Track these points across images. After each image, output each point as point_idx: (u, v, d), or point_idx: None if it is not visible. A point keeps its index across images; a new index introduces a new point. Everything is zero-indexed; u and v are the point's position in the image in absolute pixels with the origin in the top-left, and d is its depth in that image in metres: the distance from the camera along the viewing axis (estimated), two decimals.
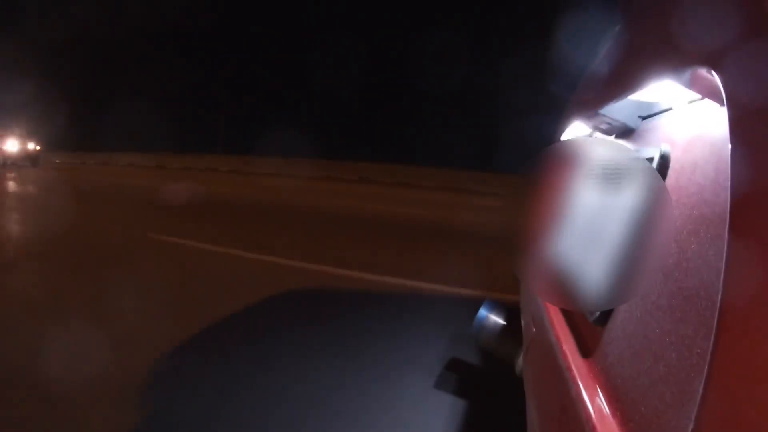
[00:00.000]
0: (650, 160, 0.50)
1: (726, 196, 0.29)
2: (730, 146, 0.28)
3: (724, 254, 0.26)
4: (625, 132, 0.76)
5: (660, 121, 0.61)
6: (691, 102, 0.50)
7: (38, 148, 17.15)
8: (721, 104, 0.33)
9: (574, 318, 0.67)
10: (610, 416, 0.40)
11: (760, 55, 0.27)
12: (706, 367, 0.25)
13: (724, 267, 0.26)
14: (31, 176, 12.14)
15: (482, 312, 1.36)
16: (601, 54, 0.98)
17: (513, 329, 1.30)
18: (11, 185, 9.68)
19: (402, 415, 1.54)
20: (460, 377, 1.81)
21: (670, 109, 0.57)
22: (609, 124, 0.77)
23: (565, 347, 0.58)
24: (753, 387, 0.22)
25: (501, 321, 1.34)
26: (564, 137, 1.24)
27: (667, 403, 0.31)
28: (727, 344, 0.24)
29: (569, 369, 0.52)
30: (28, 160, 16.68)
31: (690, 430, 0.26)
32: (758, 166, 0.26)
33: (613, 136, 0.82)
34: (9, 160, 16.21)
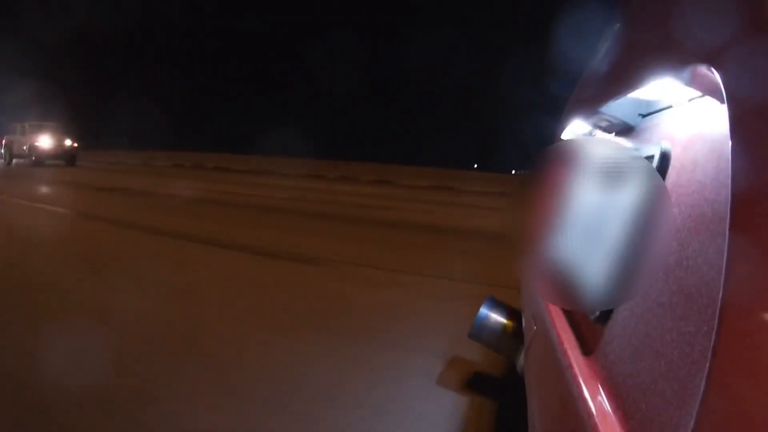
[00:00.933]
0: (650, 158, 0.50)
1: (726, 194, 0.29)
2: (730, 144, 0.28)
3: (725, 252, 0.26)
4: (625, 130, 0.76)
5: (660, 118, 0.61)
6: (691, 99, 0.49)
7: (75, 144, 15.97)
8: (722, 102, 0.33)
9: (574, 316, 0.67)
10: (611, 414, 0.40)
11: (761, 53, 0.27)
12: (707, 365, 0.25)
13: (724, 265, 0.26)
14: (75, 180, 10.01)
15: (483, 310, 1.35)
16: (600, 52, 0.97)
17: (514, 327, 1.30)
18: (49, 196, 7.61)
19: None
20: (461, 375, 1.81)
21: (670, 106, 0.57)
22: (609, 122, 0.77)
23: (566, 345, 0.58)
24: (754, 385, 0.22)
25: (502, 319, 1.33)
26: (564, 136, 1.24)
27: (668, 401, 0.31)
28: (728, 342, 0.24)
29: (570, 367, 0.52)
30: (63, 157, 15.48)
31: (691, 428, 0.26)
32: (759, 163, 0.26)
33: (613, 134, 0.82)
34: (42, 157, 14.99)
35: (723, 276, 0.26)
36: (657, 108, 0.63)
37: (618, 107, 0.69)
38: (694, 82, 0.40)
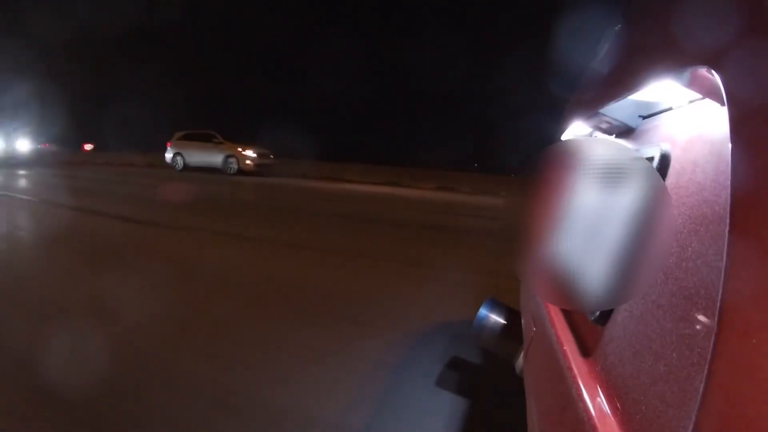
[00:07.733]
0: (650, 159, 0.50)
1: (726, 196, 0.29)
2: (730, 145, 0.28)
3: (725, 253, 0.26)
4: (626, 131, 0.76)
5: (660, 120, 0.61)
6: (691, 101, 0.50)
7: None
8: (722, 104, 0.33)
9: (574, 317, 0.67)
10: (610, 415, 0.40)
11: (761, 55, 0.27)
12: (707, 367, 0.25)
13: (724, 266, 0.26)
14: None
15: (483, 311, 1.35)
16: (601, 53, 0.97)
17: (513, 328, 1.30)
18: None
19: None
20: (460, 376, 1.81)
21: (670, 108, 0.57)
22: (609, 123, 0.77)
23: (565, 346, 0.58)
24: (753, 386, 0.22)
25: (501, 320, 1.33)
26: (564, 137, 1.24)
27: (667, 402, 0.32)
28: (728, 343, 0.24)
29: (569, 368, 0.52)
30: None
31: (690, 429, 0.26)
32: (759, 165, 0.26)
33: (614, 135, 0.82)
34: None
35: (722, 277, 0.26)
36: (657, 110, 0.63)
37: (618, 109, 0.69)
38: (694, 84, 0.40)
